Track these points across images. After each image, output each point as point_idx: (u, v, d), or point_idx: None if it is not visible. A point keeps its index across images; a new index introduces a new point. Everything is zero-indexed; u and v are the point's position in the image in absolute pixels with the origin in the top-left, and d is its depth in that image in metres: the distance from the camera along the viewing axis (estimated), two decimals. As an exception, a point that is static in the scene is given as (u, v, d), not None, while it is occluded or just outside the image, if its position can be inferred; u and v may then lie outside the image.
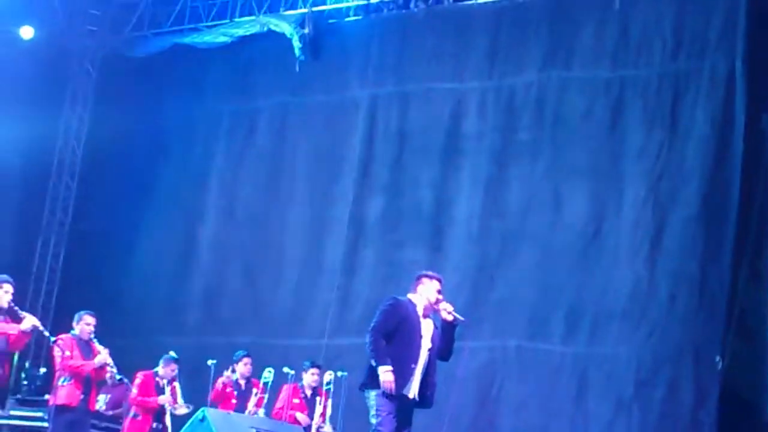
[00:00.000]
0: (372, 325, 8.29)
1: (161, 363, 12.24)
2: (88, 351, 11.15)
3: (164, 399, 12.01)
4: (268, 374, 12.21)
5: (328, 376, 12.15)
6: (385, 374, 8.07)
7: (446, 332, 8.45)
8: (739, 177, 12.10)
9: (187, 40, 16.58)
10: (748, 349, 11.77)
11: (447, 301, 8.46)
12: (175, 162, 16.18)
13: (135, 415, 12.13)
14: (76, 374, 10.83)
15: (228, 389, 12.39)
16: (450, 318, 8.39)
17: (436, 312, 8.46)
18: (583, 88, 13.40)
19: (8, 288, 10.38)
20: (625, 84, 13.16)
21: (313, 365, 12.45)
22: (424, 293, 8.46)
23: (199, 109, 16.21)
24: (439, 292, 8.45)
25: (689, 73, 12.84)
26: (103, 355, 10.96)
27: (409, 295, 8.50)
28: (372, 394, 8.15)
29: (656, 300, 12.15)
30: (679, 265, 12.14)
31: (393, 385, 8.07)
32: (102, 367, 10.98)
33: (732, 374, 11.55)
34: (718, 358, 11.54)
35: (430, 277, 8.53)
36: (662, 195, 12.49)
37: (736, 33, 12.67)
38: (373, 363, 8.17)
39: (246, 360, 12.62)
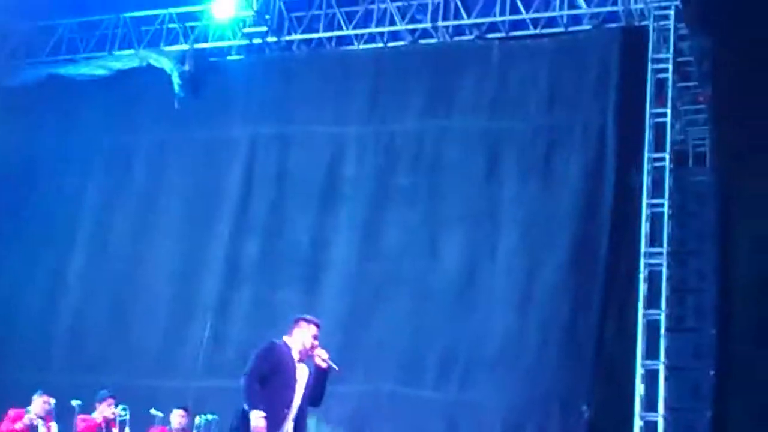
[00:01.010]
0: (247, 368, 8.17)
1: (34, 398, 11.74)
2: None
3: None
4: (123, 412, 11.85)
5: (199, 419, 11.91)
6: (257, 420, 7.95)
7: (319, 379, 8.38)
8: (608, 229, 12.46)
9: (63, 71, 16.28)
10: (614, 399, 12.03)
11: (323, 348, 8.41)
12: (46, 194, 15.73)
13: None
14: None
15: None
16: (324, 365, 8.34)
17: (311, 357, 8.41)
18: (461, 137, 13.66)
19: None
20: (502, 134, 13.49)
21: (179, 407, 12.17)
22: (301, 337, 8.36)
23: (74, 142, 15.84)
24: (315, 337, 8.38)
25: (563, 126, 13.24)
26: None
27: (285, 338, 8.41)
28: None
29: (527, 347, 12.36)
30: (549, 313, 12.39)
31: (264, 431, 7.96)
32: None
33: (598, 423, 11.78)
34: (585, 407, 11.76)
35: (309, 322, 8.44)
36: (535, 244, 12.77)
37: (609, 90, 13.17)
38: (246, 407, 8.06)
39: (110, 401, 12.20)
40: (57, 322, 15.05)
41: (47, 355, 14.73)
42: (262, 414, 7.92)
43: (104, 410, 11.97)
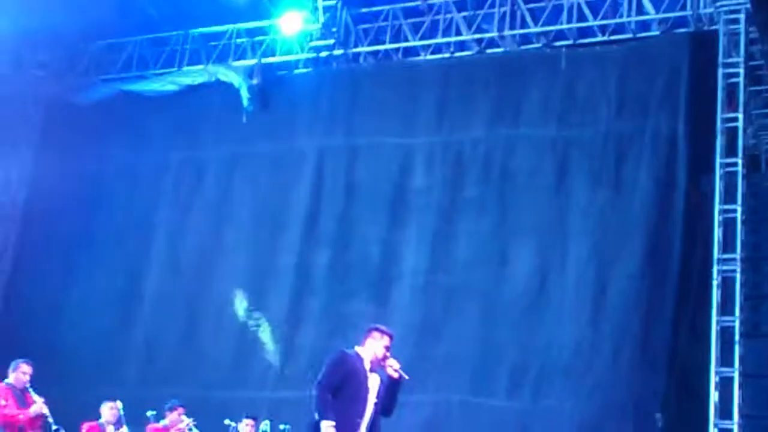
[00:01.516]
0: (318, 378, 8.22)
1: (102, 407, 11.96)
2: (23, 400, 10.90)
3: None
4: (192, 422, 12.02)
5: (264, 425, 12.01)
6: (328, 429, 8.01)
7: (390, 389, 8.42)
8: (681, 236, 12.32)
9: (134, 87, 16.54)
10: (688, 407, 11.91)
11: (394, 358, 8.44)
12: (119, 210, 15.98)
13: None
14: (9, 424, 10.57)
15: None
16: (396, 375, 8.37)
17: (383, 367, 8.44)
18: (529, 146, 13.62)
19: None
20: (571, 143, 13.41)
21: (248, 416, 12.31)
22: (373, 347, 8.41)
23: (145, 157, 16.09)
24: (387, 348, 8.42)
25: (633, 133, 13.14)
26: (38, 405, 10.72)
27: (357, 348, 8.47)
28: None
29: (599, 356, 12.27)
30: (621, 322, 12.29)
31: None
32: (37, 417, 10.74)
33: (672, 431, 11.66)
34: (658, 415, 11.65)
35: (382, 333, 8.48)
36: (606, 253, 12.68)
37: (679, 95, 13.03)
38: (317, 417, 8.11)
39: (180, 410, 12.36)
40: (131, 338, 15.24)
41: (121, 371, 14.92)
42: (332, 424, 7.97)
43: (173, 418, 12.17)
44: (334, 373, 8.23)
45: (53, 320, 15.59)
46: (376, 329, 8.50)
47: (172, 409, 12.29)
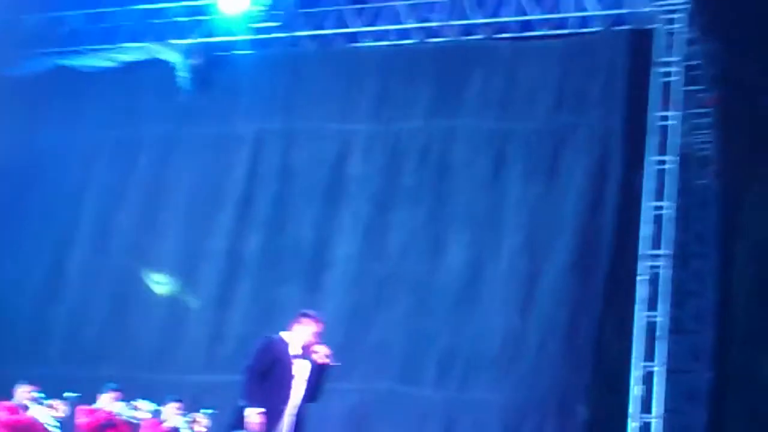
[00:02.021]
0: (246, 364, 8.21)
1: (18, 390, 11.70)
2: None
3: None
4: (131, 411, 11.83)
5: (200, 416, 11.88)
6: (252, 416, 7.99)
7: (317, 375, 8.42)
8: (611, 232, 12.46)
9: (71, 62, 16.25)
10: (611, 401, 12.07)
11: (323, 344, 8.42)
12: (50, 185, 15.67)
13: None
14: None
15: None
16: (323, 362, 8.37)
17: (311, 353, 8.42)
18: (467, 138, 13.64)
19: None
20: (509, 135, 13.47)
21: (174, 399, 12.13)
22: (301, 333, 8.40)
23: (80, 134, 15.80)
24: (316, 334, 8.40)
25: (570, 128, 13.24)
26: None
27: (285, 334, 8.44)
28: None
29: (526, 348, 12.38)
30: (549, 315, 12.40)
31: (258, 427, 7.99)
32: None
33: (595, 424, 11.81)
34: (581, 408, 11.79)
35: (311, 318, 8.47)
36: (538, 246, 12.77)
37: (616, 92, 13.14)
38: (243, 403, 8.09)
39: (116, 395, 12.14)
40: (55, 315, 14.99)
41: (45, 349, 14.69)
42: (258, 410, 7.95)
43: (105, 401, 11.91)
44: (260, 359, 8.23)
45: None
46: (305, 315, 8.51)
47: (108, 392, 12.04)
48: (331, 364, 8.33)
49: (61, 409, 11.36)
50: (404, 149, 14.01)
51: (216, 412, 11.62)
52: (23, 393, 11.45)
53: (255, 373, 8.15)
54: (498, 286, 12.80)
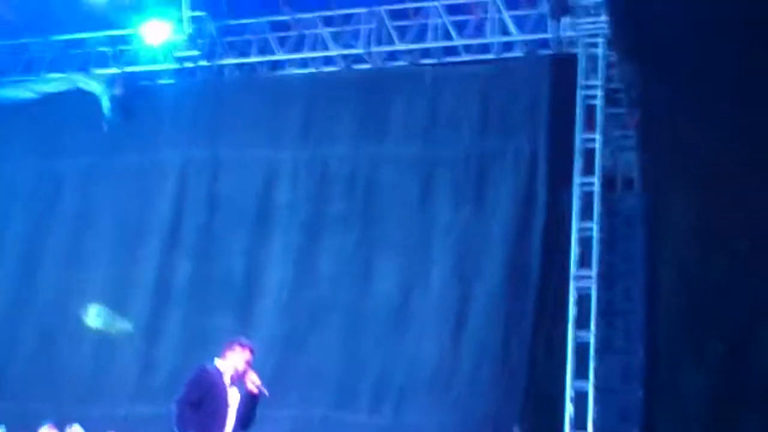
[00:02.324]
0: (178, 396, 8.12)
1: None
2: None
3: None
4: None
5: None
6: None
7: (250, 403, 8.36)
8: (539, 254, 12.61)
9: (-9, 93, 16.01)
10: (544, 420, 12.16)
11: (255, 372, 8.37)
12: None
13: None
14: None
15: None
16: (255, 390, 8.32)
17: (243, 381, 8.36)
18: (394, 163, 13.74)
19: None
20: (435, 161, 13.58)
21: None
22: (233, 361, 8.35)
23: (2, 166, 15.58)
24: (248, 362, 8.36)
25: (495, 152, 13.39)
26: None
27: (217, 362, 8.38)
28: None
29: (460, 371, 12.45)
30: (482, 338, 12.50)
31: None
32: None
33: (530, 445, 11.89)
34: (515, 429, 11.85)
35: (243, 346, 8.43)
36: (467, 269, 12.87)
37: (540, 116, 13.34)
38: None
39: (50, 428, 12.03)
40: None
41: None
42: None
43: None
44: (193, 390, 8.15)
45: None
46: (237, 342, 8.46)
47: (46, 426, 11.93)
48: (263, 393, 8.28)
49: None
50: (331, 176, 14.05)
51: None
52: None
53: (188, 404, 8.06)
54: (429, 311, 12.87)
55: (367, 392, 12.68)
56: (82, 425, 12.53)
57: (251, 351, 8.42)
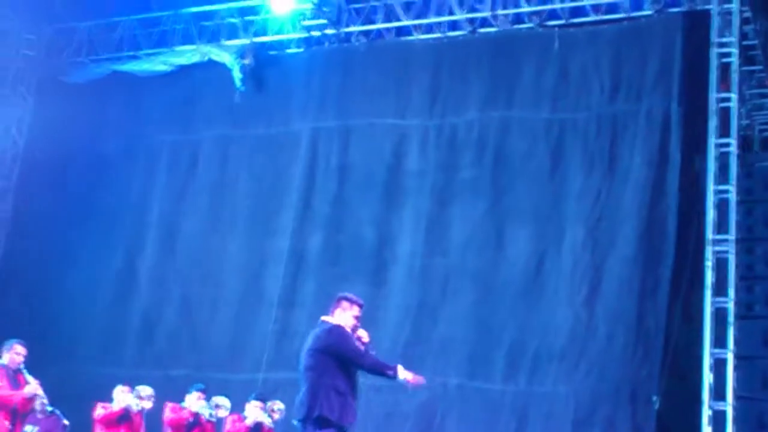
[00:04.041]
0: (352, 356, 8.08)
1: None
2: (15, 381, 10.92)
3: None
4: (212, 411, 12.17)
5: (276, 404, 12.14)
6: (404, 373, 7.99)
7: None
8: (675, 218, 12.35)
9: (126, 67, 16.44)
10: (681, 389, 11.97)
11: (363, 329, 8.32)
12: (115, 190, 15.91)
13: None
14: (3, 405, 10.58)
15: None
16: (362, 348, 8.26)
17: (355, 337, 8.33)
18: (523, 129, 13.57)
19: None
20: (565, 126, 13.37)
21: (256, 398, 12.41)
22: (342, 317, 8.23)
23: (139, 138, 16.04)
24: (357, 318, 8.29)
25: (626, 115, 13.10)
26: (32, 386, 10.70)
27: (326, 318, 8.31)
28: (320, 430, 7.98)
29: (594, 340, 12.31)
30: (616, 305, 12.32)
31: (417, 379, 8.03)
32: (31, 398, 10.74)
33: (667, 414, 11.73)
34: (654, 398, 11.72)
35: (351, 302, 8.27)
36: (601, 236, 12.69)
37: (672, 76, 12.99)
38: (389, 374, 8.05)
39: (200, 395, 12.44)
40: (128, 318, 15.21)
41: (119, 350, 14.92)
42: (400, 366, 7.99)
43: (192, 401, 12.22)
44: (353, 341, 8.16)
45: (48, 300, 15.53)
46: (345, 298, 8.30)
47: (194, 392, 12.36)
48: (369, 350, 8.22)
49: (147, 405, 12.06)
50: (460, 142, 13.98)
51: (283, 407, 11.80)
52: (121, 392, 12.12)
53: (363, 352, 8.12)
54: (562, 278, 12.73)
55: (501, 361, 12.66)
56: (223, 390, 12.93)
57: (360, 306, 8.28)
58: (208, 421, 12.16)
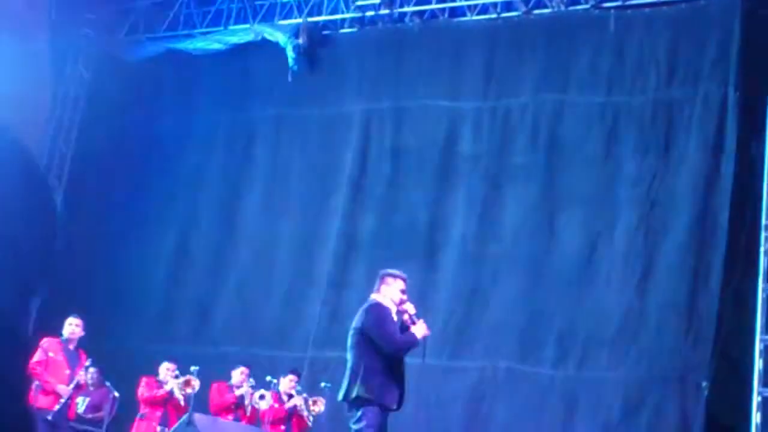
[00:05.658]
0: (386, 338, 8.19)
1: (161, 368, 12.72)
2: (75, 358, 11.26)
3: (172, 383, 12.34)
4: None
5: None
6: (420, 330, 8.19)
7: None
8: (729, 204, 12.24)
9: (181, 45, 16.58)
10: (731, 376, 11.91)
11: (410, 302, 8.42)
12: (170, 168, 16.05)
13: (141, 415, 12.40)
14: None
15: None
16: (410, 322, 8.36)
17: (400, 312, 8.43)
18: (578, 113, 13.49)
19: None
20: (620, 110, 13.27)
21: (291, 371, 12.66)
22: (389, 293, 8.35)
23: (194, 117, 16.17)
24: (403, 291, 8.37)
25: (683, 100, 12.97)
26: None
27: (374, 296, 8.43)
28: (359, 410, 8.10)
29: (646, 326, 12.27)
30: (668, 292, 12.26)
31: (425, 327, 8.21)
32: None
33: (716, 400, 11.68)
34: (704, 384, 11.67)
35: (395, 277, 8.40)
36: (654, 222, 12.62)
37: (729, 60, 12.83)
38: (414, 341, 8.22)
39: (244, 369, 12.75)
40: (182, 296, 15.41)
41: (172, 328, 15.13)
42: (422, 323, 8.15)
43: (237, 378, 12.74)
44: (392, 322, 8.27)
45: (106, 277, 15.72)
46: (389, 274, 8.44)
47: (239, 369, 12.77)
48: (415, 322, 8.35)
49: (195, 384, 12.26)
50: (514, 126, 13.93)
51: (330, 385, 11.92)
52: (166, 370, 12.63)
53: (396, 334, 8.26)
54: (614, 264, 12.68)
55: (551, 345, 12.66)
56: (273, 368, 13.12)
57: (404, 280, 8.40)
58: (252, 406, 12.35)
